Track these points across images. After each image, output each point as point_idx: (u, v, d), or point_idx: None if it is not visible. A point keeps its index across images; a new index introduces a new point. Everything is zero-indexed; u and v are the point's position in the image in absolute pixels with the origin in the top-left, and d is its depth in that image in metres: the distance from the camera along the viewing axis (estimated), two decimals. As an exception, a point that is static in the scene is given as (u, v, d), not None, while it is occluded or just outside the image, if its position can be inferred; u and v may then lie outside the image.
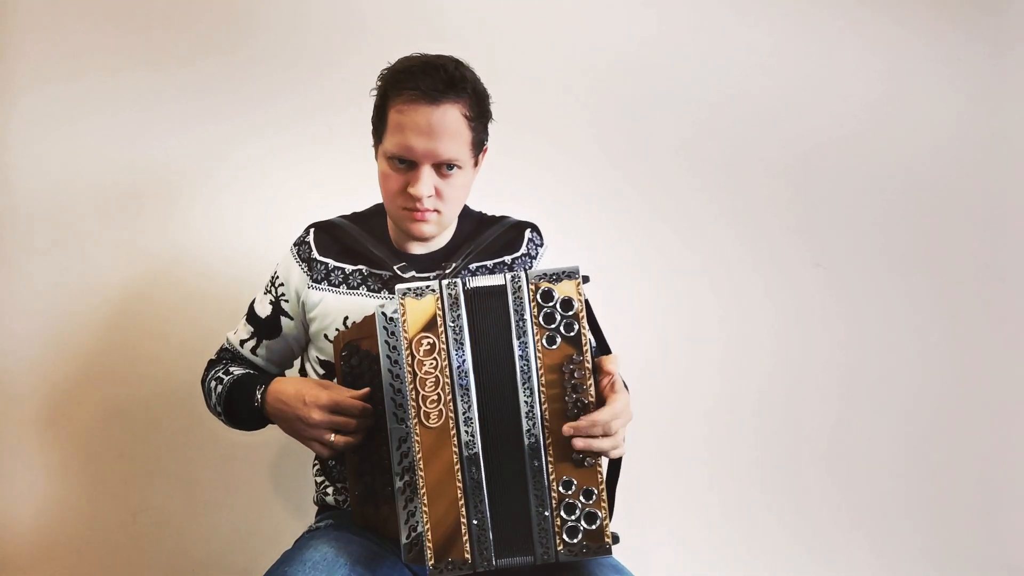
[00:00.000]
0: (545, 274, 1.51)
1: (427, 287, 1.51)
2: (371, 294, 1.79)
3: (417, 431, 1.47)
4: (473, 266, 1.82)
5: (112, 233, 2.35)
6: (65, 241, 2.34)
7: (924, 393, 2.56)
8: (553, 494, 1.48)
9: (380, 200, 1.88)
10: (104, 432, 2.35)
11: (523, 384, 1.49)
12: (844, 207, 2.56)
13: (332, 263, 1.81)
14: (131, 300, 2.35)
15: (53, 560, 2.34)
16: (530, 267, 1.85)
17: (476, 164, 1.77)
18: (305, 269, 1.81)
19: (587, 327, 1.50)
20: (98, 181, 2.35)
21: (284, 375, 1.93)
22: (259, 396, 1.73)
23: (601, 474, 1.49)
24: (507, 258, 1.86)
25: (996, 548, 2.57)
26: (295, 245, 1.85)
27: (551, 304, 1.49)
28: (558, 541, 1.47)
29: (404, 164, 1.67)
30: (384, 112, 1.68)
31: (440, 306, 1.50)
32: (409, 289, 1.50)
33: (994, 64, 2.58)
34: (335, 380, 1.69)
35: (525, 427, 1.48)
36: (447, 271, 1.75)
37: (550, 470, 1.48)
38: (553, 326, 1.49)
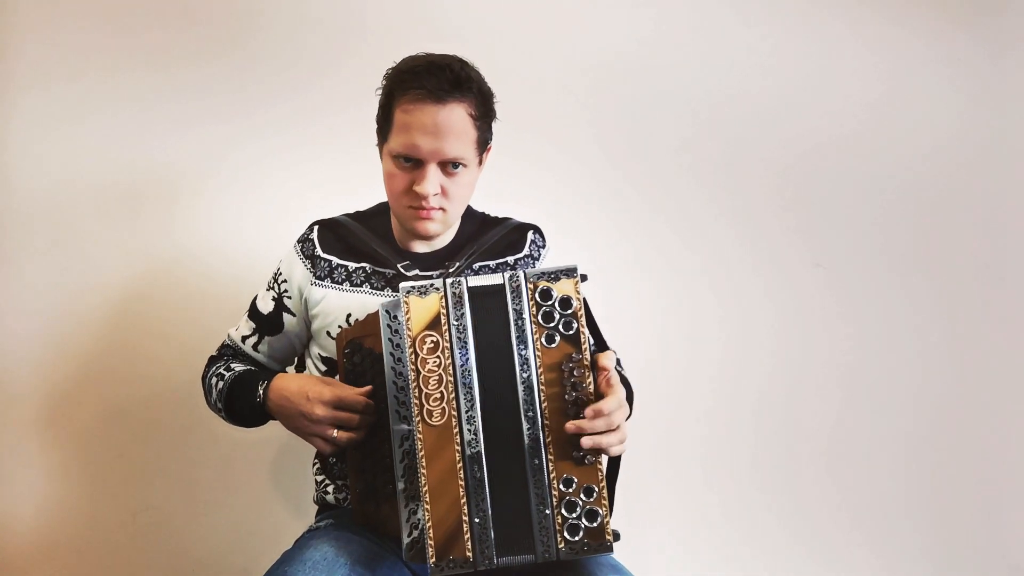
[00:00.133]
0: (543, 273, 1.51)
1: (431, 285, 1.51)
2: (374, 292, 1.79)
3: (420, 429, 1.47)
4: (476, 266, 1.83)
5: (112, 233, 2.35)
6: (65, 241, 2.34)
7: (924, 393, 2.57)
8: (554, 492, 1.47)
9: (381, 200, 1.90)
10: (104, 432, 2.35)
11: (523, 382, 1.48)
12: (844, 207, 2.56)
13: (336, 260, 1.81)
14: (131, 300, 2.35)
15: (53, 560, 2.34)
16: (532, 268, 1.85)
17: (480, 163, 1.78)
18: (308, 266, 1.82)
19: (586, 325, 1.50)
20: (98, 181, 2.35)
21: (285, 372, 1.93)
22: (261, 392, 1.73)
23: (601, 472, 1.49)
24: (510, 258, 1.87)
25: (996, 548, 2.57)
26: (299, 242, 1.85)
27: (550, 303, 1.49)
28: (559, 539, 1.47)
29: (410, 163, 1.68)
30: (390, 111, 1.69)
31: (444, 305, 1.50)
32: (413, 287, 1.51)
33: (994, 64, 2.58)
34: (337, 377, 1.69)
35: (525, 425, 1.48)
36: (450, 270, 1.76)
37: (550, 468, 1.48)
38: (552, 324, 1.49)
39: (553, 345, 1.49)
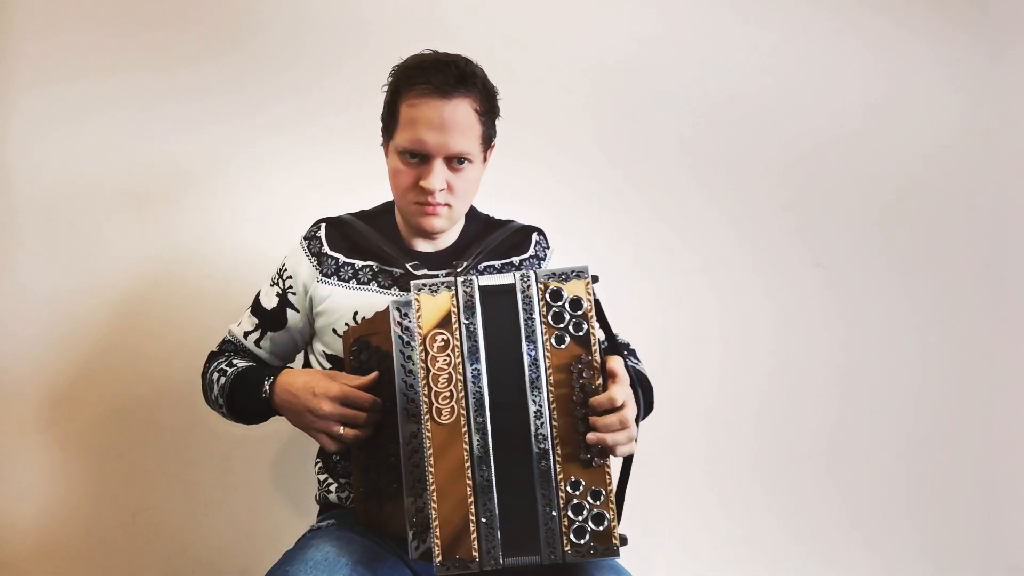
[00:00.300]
0: (554, 273, 1.51)
1: (443, 284, 1.51)
2: (381, 290, 1.79)
3: (428, 427, 1.46)
4: (481, 266, 1.83)
5: (112, 233, 2.35)
6: (65, 241, 2.33)
7: (924, 393, 2.57)
8: (561, 494, 1.47)
9: (382, 199, 1.92)
10: (104, 432, 2.35)
11: (531, 383, 1.48)
12: (844, 207, 2.56)
13: (342, 258, 1.82)
14: (131, 300, 2.35)
15: (53, 560, 2.33)
16: (539, 268, 1.86)
17: (485, 160, 1.79)
18: (315, 263, 1.82)
19: (596, 327, 1.50)
20: (98, 181, 2.35)
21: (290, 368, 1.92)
22: (268, 387, 1.73)
23: (609, 475, 1.48)
24: (515, 259, 1.88)
25: (996, 548, 2.58)
26: (305, 239, 1.85)
27: (560, 303, 1.49)
28: (565, 542, 1.46)
29: (416, 158, 1.69)
30: (395, 108, 1.71)
31: (455, 303, 1.50)
32: (424, 285, 1.51)
33: (994, 64, 2.59)
34: None
35: (533, 427, 1.48)
36: (458, 269, 1.77)
37: (558, 470, 1.47)
38: (562, 325, 1.49)
39: (563, 346, 1.49)
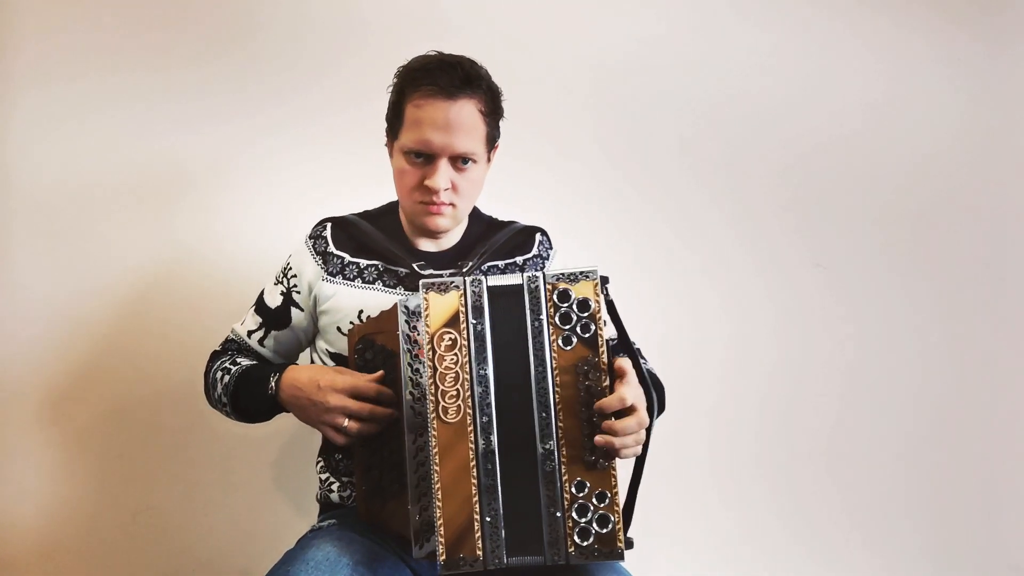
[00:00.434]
0: (563, 274, 1.51)
1: (451, 283, 1.51)
2: (386, 289, 1.80)
3: (434, 426, 1.46)
4: (485, 266, 1.84)
5: (112, 233, 2.34)
6: (65, 241, 2.33)
7: (924, 393, 2.57)
8: (565, 495, 1.47)
9: (383, 200, 1.93)
10: (104, 432, 2.34)
11: (538, 384, 1.48)
12: (844, 207, 2.56)
13: (347, 258, 1.82)
14: (131, 300, 2.35)
15: (53, 560, 2.33)
16: (542, 268, 1.88)
17: (489, 160, 1.81)
18: (320, 263, 1.82)
19: (604, 328, 1.50)
20: (98, 181, 2.34)
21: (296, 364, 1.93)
22: (273, 384, 1.73)
23: (615, 477, 1.48)
24: (519, 259, 1.89)
25: (996, 548, 2.58)
26: (311, 238, 1.85)
27: (568, 304, 1.49)
28: (569, 543, 1.46)
29: (421, 158, 1.71)
30: (401, 108, 1.72)
31: (463, 303, 1.50)
32: (433, 284, 1.51)
33: (994, 64, 2.59)
34: None
35: (539, 428, 1.48)
36: (464, 269, 1.77)
37: (563, 471, 1.47)
38: (569, 326, 1.49)
39: (570, 347, 1.49)
